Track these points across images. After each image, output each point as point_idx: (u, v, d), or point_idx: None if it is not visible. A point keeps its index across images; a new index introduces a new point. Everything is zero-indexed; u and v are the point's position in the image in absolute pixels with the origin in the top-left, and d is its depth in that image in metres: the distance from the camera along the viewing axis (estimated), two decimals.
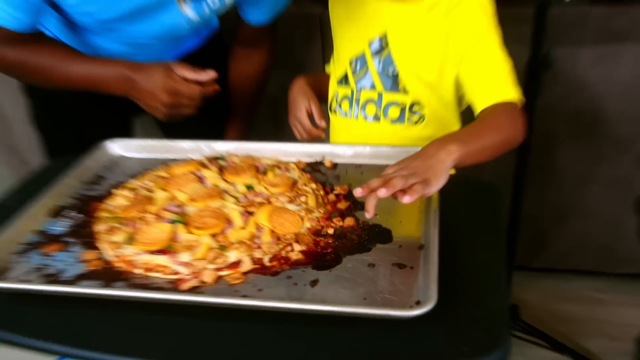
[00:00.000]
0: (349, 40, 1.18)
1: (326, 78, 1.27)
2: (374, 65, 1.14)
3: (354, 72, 1.17)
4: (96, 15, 1.09)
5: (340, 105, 1.20)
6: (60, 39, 1.22)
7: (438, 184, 0.83)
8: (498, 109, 1.00)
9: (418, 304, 0.69)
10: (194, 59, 1.20)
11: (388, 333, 0.69)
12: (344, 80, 1.19)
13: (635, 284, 1.85)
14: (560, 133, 1.67)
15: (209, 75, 1.11)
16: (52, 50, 1.13)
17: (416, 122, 1.14)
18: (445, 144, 0.87)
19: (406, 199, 0.80)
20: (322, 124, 1.16)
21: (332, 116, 1.25)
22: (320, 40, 1.67)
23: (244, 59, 1.41)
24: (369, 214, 0.82)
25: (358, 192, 0.82)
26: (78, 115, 1.37)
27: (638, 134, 1.63)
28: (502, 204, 0.96)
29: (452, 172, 0.88)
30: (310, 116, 1.18)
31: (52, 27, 1.21)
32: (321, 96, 1.22)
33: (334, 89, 1.22)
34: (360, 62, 1.16)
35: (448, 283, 0.71)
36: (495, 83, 1.02)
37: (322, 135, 1.19)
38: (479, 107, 1.03)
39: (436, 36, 1.08)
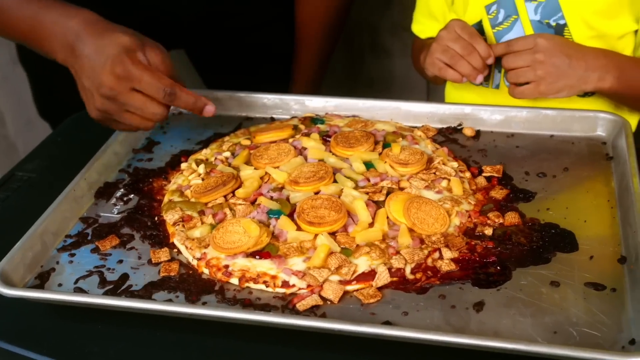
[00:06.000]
0: None
1: None
2: (527, 12, 1.03)
3: (493, 23, 1.06)
4: None
5: None
6: None
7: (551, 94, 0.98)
8: None
9: (633, 343, 0.65)
10: None
11: None
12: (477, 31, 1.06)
13: None
14: None
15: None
16: None
17: (585, 95, 1.06)
18: (605, 70, 0.97)
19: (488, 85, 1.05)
20: (491, 60, 1.04)
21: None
22: None
23: None
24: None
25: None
26: None
27: None
28: None
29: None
30: None
31: None
32: None
33: None
34: (504, 8, 1.04)
35: None
36: None
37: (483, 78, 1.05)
38: None
39: None
